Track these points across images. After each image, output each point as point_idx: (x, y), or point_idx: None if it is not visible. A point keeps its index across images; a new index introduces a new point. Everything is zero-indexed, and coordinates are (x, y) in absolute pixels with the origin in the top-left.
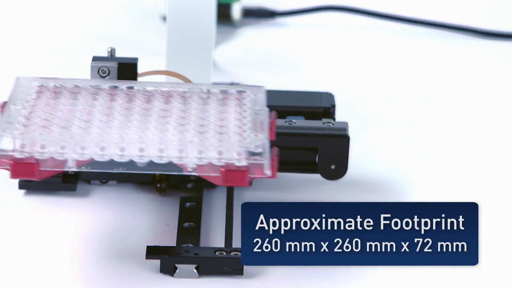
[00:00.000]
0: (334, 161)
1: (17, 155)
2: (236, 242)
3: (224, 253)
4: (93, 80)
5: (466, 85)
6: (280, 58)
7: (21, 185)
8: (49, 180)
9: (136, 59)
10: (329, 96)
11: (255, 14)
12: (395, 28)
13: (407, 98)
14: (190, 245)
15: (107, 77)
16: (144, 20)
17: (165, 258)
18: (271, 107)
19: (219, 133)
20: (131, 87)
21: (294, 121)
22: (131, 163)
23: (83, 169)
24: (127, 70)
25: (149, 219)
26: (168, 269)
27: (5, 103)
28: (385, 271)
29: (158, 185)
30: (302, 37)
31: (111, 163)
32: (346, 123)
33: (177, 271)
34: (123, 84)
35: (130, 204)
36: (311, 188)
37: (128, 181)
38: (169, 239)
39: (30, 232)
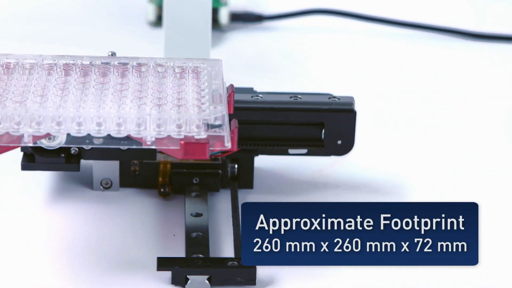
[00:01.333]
0: (341, 136)
1: None
2: None
3: (236, 263)
4: (48, 56)
5: (456, 86)
6: (268, 61)
7: (24, 166)
8: (52, 160)
9: None
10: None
11: (242, 18)
12: (383, 31)
13: (397, 100)
14: (201, 255)
15: None
16: (131, 26)
17: (177, 269)
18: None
19: (178, 105)
20: (86, 63)
21: (299, 96)
22: (89, 138)
23: (38, 145)
24: None
25: (155, 226)
26: (179, 281)
27: None
28: (385, 271)
29: (162, 189)
30: (290, 40)
31: (68, 138)
32: (352, 98)
33: (188, 282)
34: (78, 59)
35: (135, 210)
36: (314, 190)
37: (131, 186)
38: (177, 248)
39: (34, 240)
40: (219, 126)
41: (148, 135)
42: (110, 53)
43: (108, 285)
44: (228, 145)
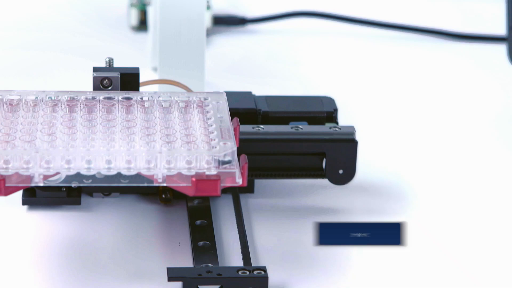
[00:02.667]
0: (342, 166)
1: None
2: (254, 260)
3: (247, 272)
4: (50, 92)
5: (441, 86)
6: (253, 65)
7: (24, 201)
8: (53, 194)
9: (137, 68)
10: (330, 100)
11: (225, 22)
12: (366, 33)
13: (382, 101)
14: (210, 264)
15: (109, 88)
16: (113, 31)
17: (188, 279)
18: (273, 113)
19: (187, 142)
20: (90, 98)
21: (300, 127)
22: (99, 176)
23: (48, 184)
24: (129, 80)
25: (159, 233)
26: None
27: None
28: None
29: (163, 195)
30: (274, 43)
31: (79, 176)
32: (352, 127)
33: None
34: (82, 95)
35: (137, 217)
36: (315, 193)
37: (132, 192)
38: (183, 255)
39: (32, 247)
40: (229, 162)
41: (159, 173)
42: (107, 59)
43: None
44: (239, 181)
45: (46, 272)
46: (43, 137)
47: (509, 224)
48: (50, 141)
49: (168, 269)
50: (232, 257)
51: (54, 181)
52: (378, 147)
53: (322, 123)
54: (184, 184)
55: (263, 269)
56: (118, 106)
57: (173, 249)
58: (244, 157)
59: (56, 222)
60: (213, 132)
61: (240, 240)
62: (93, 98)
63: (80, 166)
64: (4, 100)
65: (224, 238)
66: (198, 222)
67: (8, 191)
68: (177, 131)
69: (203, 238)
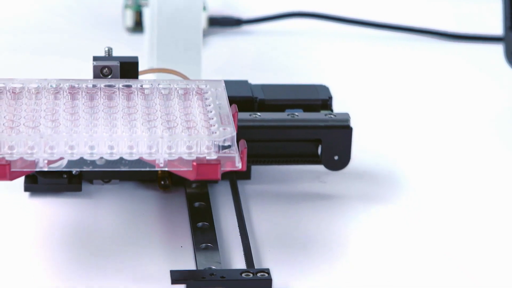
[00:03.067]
0: (337, 152)
1: None
2: (257, 262)
3: (251, 274)
4: (52, 80)
5: (436, 86)
6: (248, 65)
7: (26, 188)
8: (55, 181)
9: (136, 57)
10: (325, 89)
11: (221, 23)
12: (362, 33)
13: (378, 101)
14: (213, 267)
15: (109, 77)
16: (108, 32)
17: (192, 283)
18: (269, 101)
19: (187, 128)
20: (91, 86)
21: (296, 114)
22: (100, 163)
23: (53, 169)
24: (128, 68)
25: (159, 219)
26: None
27: None
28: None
29: (162, 182)
30: (269, 44)
31: (82, 161)
32: (347, 114)
33: None
34: (83, 83)
35: (137, 203)
36: (312, 179)
37: (131, 179)
38: (183, 237)
39: (30, 235)
40: (229, 147)
41: (161, 158)
42: (106, 49)
43: None
44: (239, 165)
45: (47, 257)
46: (46, 123)
47: (502, 213)
48: (54, 127)
49: (172, 272)
50: (233, 257)
51: (58, 167)
52: (372, 134)
53: (317, 111)
54: (185, 169)
55: (267, 271)
56: (119, 94)
57: (173, 233)
58: (243, 142)
59: (57, 208)
60: (212, 118)
61: (242, 241)
62: (94, 86)
63: (83, 151)
64: (7, 88)
65: (222, 220)
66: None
67: (13, 176)
68: (177, 117)
69: (205, 241)
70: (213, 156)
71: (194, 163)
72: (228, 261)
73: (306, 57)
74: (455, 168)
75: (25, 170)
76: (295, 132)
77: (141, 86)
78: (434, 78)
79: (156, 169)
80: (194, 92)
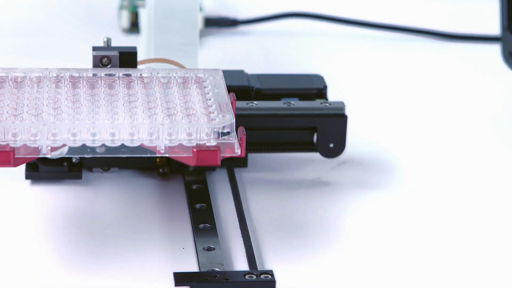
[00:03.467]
0: (333, 140)
1: None
2: (260, 264)
3: (254, 276)
4: (53, 69)
5: (431, 86)
6: (245, 66)
7: (28, 176)
8: (55, 169)
9: (135, 47)
10: (319, 78)
11: (217, 23)
12: (357, 33)
13: (374, 101)
14: (217, 269)
15: (109, 66)
16: (105, 34)
17: (195, 285)
18: (265, 91)
19: (187, 115)
20: (92, 75)
21: (292, 102)
22: (103, 147)
23: (55, 156)
24: (127, 58)
25: (158, 206)
26: None
27: None
28: None
29: (161, 170)
30: (266, 44)
31: (83, 148)
32: (342, 103)
33: None
34: (83, 72)
35: (136, 190)
36: (308, 167)
37: (130, 167)
38: (181, 220)
39: (30, 222)
40: (228, 133)
41: (162, 144)
42: (105, 39)
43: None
44: (238, 151)
45: (48, 245)
46: (49, 111)
47: (496, 202)
48: (56, 115)
49: (175, 274)
50: (235, 258)
51: (59, 154)
52: (368, 125)
53: (313, 100)
54: (185, 155)
55: (270, 273)
56: (119, 82)
57: (171, 217)
58: (242, 129)
59: (58, 196)
60: (211, 106)
61: (244, 243)
62: (95, 75)
63: (85, 138)
64: (10, 77)
65: (219, 202)
66: (201, 226)
67: (17, 162)
68: (177, 105)
69: (207, 242)
70: (213, 143)
71: (194, 149)
72: (230, 261)
73: (302, 57)
74: (448, 159)
75: (28, 156)
76: (291, 120)
77: (141, 75)
78: (429, 77)
79: (157, 155)
80: (193, 81)
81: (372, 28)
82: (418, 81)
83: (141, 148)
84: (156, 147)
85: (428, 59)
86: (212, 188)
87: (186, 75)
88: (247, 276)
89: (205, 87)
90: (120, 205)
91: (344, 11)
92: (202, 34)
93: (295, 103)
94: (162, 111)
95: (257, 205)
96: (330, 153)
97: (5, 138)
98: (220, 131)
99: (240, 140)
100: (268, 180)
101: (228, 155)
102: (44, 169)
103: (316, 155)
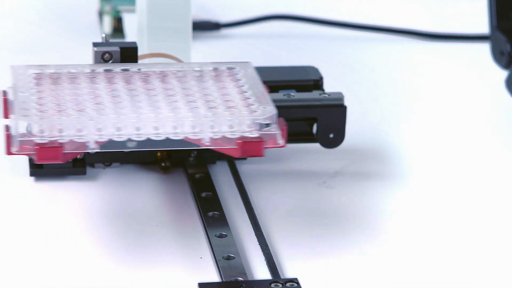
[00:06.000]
0: (333, 130)
1: (38, 140)
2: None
3: (280, 284)
4: (86, 65)
5: (416, 86)
6: None
7: (33, 173)
8: (59, 165)
9: (135, 43)
10: (314, 70)
11: (199, 27)
12: (340, 34)
13: (358, 105)
14: (240, 278)
15: (110, 62)
16: (87, 39)
17: None
18: (263, 82)
19: (228, 107)
20: (125, 69)
21: (292, 94)
22: (147, 141)
23: (100, 150)
24: (128, 53)
25: (162, 199)
26: None
27: (5, 92)
28: None
29: (163, 164)
30: (249, 47)
31: (127, 142)
32: (341, 93)
33: None
34: (117, 67)
35: (140, 184)
36: (307, 158)
37: (132, 162)
38: (186, 208)
39: (32, 221)
40: (269, 125)
41: (206, 137)
42: (104, 35)
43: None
44: (280, 142)
45: (56, 244)
46: (92, 106)
47: (491, 196)
48: (100, 110)
49: (200, 285)
50: (256, 267)
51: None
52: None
53: (310, 91)
54: (230, 147)
55: (296, 281)
56: (154, 77)
57: (178, 209)
58: (282, 120)
59: (63, 192)
60: (250, 98)
61: (263, 252)
62: (126, 70)
63: (130, 132)
64: (46, 74)
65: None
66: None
67: (65, 157)
68: (216, 98)
69: (226, 252)
70: (255, 134)
71: (239, 141)
72: (249, 269)
73: (286, 59)
74: (443, 156)
75: (75, 151)
76: (291, 111)
77: (174, 69)
78: (415, 77)
79: (202, 147)
80: (225, 74)
81: (355, 29)
82: (406, 81)
83: (183, 141)
84: (200, 139)
85: (413, 59)
86: (215, 180)
87: (218, 67)
88: (272, 285)
89: (238, 79)
90: (125, 201)
91: (326, 13)
92: None
93: (295, 94)
94: (203, 104)
95: (263, 200)
96: (330, 143)
97: (52, 134)
98: (262, 122)
99: (282, 131)
100: (268, 171)
101: (271, 146)
102: (48, 166)
103: (318, 146)
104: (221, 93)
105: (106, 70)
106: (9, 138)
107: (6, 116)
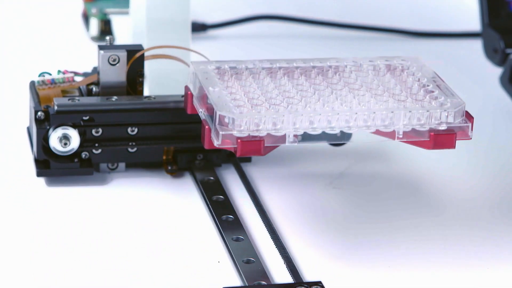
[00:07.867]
0: None
1: (238, 134)
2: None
3: None
4: (263, 60)
5: None
6: None
7: (39, 173)
8: (67, 165)
9: (141, 45)
10: None
11: None
12: (326, 34)
13: None
14: (263, 282)
15: (117, 65)
16: (74, 42)
17: None
18: None
19: (416, 100)
20: (302, 65)
21: None
22: (340, 135)
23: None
24: (134, 55)
25: (171, 202)
26: None
27: (187, 87)
28: None
29: (169, 167)
30: (235, 48)
31: (321, 135)
32: None
33: None
34: (292, 63)
35: (148, 188)
36: (308, 158)
37: (137, 166)
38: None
39: (39, 224)
40: (458, 118)
41: (400, 129)
42: (108, 38)
43: None
44: (471, 135)
45: (62, 243)
46: (288, 101)
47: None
48: (294, 104)
49: None
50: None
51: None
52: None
53: None
54: (422, 139)
55: (320, 284)
56: (332, 71)
57: (186, 209)
58: (467, 112)
59: (71, 194)
60: (433, 91)
61: (281, 255)
62: (303, 65)
63: (324, 126)
64: (225, 70)
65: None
66: (234, 237)
67: (266, 150)
68: (402, 91)
69: (245, 255)
70: (444, 127)
71: (432, 133)
72: (269, 272)
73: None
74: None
75: (274, 144)
76: None
77: (346, 64)
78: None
79: (394, 140)
80: (400, 68)
81: (341, 28)
82: None
83: (372, 134)
84: (392, 132)
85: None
86: (222, 183)
87: (388, 62)
88: None
89: (413, 73)
90: (134, 205)
91: (312, 12)
92: None
93: None
94: (391, 97)
95: (271, 201)
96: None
97: (251, 128)
98: (451, 115)
99: (471, 123)
100: (274, 173)
101: (461, 138)
102: (55, 166)
103: (322, 148)
104: (404, 86)
105: (282, 67)
106: (209, 132)
107: (189, 110)
